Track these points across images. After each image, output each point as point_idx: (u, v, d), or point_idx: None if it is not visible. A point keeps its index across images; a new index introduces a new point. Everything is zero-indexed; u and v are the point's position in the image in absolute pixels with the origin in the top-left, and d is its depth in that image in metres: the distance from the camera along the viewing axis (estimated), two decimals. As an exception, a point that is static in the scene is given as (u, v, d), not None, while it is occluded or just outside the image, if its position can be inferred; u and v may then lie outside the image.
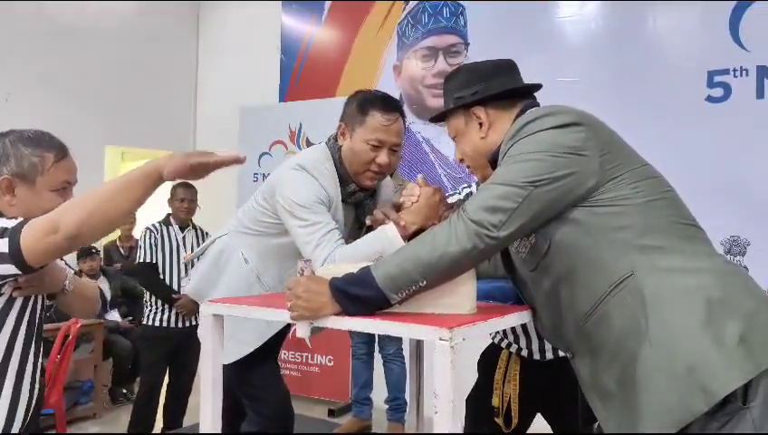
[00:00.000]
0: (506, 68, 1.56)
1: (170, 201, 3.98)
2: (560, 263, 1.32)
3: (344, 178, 1.96)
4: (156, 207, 5.87)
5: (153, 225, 3.94)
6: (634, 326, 1.21)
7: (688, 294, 1.20)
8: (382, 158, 1.90)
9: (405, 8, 4.78)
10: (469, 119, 1.51)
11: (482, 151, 1.49)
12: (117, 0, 5.53)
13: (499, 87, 1.50)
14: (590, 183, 1.27)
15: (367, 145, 1.89)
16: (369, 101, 1.92)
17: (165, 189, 4.28)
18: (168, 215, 3.94)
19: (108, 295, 4.82)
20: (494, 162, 1.45)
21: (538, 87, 1.55)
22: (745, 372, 1.12)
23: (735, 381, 1.12)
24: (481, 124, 1.49)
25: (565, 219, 1.30)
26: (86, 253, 4.81)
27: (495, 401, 2.03)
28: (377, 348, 4.23)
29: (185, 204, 3.87)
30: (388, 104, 1.92)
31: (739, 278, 1.27)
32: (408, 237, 1.71)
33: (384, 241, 1.71)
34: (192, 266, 2.38)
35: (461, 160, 1.60)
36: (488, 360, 2.13)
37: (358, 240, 1.82)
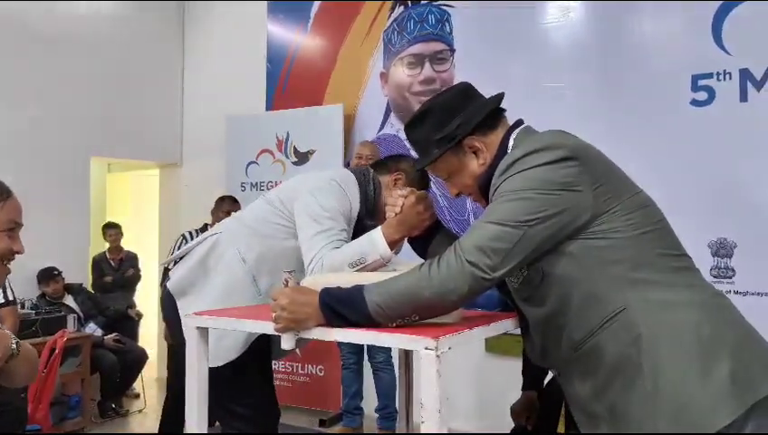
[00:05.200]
0: (472, 91, 1.53)
1: (214, 212, 3.98)
2: (552, 294, 1.32)
3: (370, 213, 2.07)
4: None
5: (189, 232, 3.95)
6: (626, 360, 1.24)
7: (680, 331, 1.22)
8: None
9: (390, 15, 4.79)
10: (463, 154, 1.47)
11: (485, 178, 1.44)
12: (102, 2, 5.51)
13: (481, 110, 1.47)
14: (584, 218, 1.27)
15: None
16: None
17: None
18: (206, 224, 3.92)
19: (78, 311, 4.79)
20: (482, 188, 1.45)
21: (502, 98, 1.52)
22: (732, 410, 1.16)
23: (723, 419, 1.16)
24: (476, 153, 1.46)
25: (559, 252, 1.29)
26: (48, 275, 4.76)
27: (562, 429, 2.07)
28: (366, 357, 4.22)
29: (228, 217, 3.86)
30: None
31: (725, 311, 1.30)
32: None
33: (369, 244, 1.74)
34: (170, 269, 2.35)
35: (458, 195, 1.57)
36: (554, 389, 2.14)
37: (346, 245, 1.85)
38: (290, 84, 5.27)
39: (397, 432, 3.89)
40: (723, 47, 3.52)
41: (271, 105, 5.34)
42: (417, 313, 1.30)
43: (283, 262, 2.00)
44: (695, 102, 3.59)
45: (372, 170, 2.13)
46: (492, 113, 1.47)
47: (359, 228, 2.03)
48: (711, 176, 3.49)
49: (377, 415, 4.16)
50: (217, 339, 1.89)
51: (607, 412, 1.28)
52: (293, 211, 1.99)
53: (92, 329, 4.79)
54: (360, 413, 4.27)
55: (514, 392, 2.45)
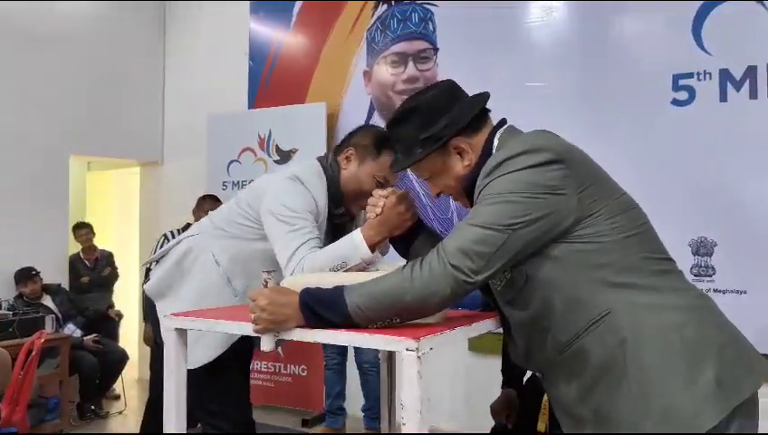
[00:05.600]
0: (458, 90, 1.51)
1: (195, 211, 3.92)
2: (536, 297, 1.31)
3: (336, 200, 1.99)
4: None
5: (171, 231, 3.89)
6: (612, 363, 1.23)
7: (665, 333, 1.22)
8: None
9: (374, 14, 4.77)
10: (447, 154, 1.45)
11: (469, 180, 1.43)
12: (83, 1, 5.43)
13: (468, 111, 1.45)
14: (569, 221, 1.26)
15: (373, 179, 1.95)
16: (385, 141, 1.95)
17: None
18: (188, 224, 3.86)
19: (57, 311, 4.72)
20: (466, 189, 1.43)
21: (487, 98, 1.51)
22: (717, 413, 1.17)
23: (708, 422, 1.16)
24: (461, 154, 1.44)
25: (543, 256, 1.28)
26: (26, 276, 4.69)
27: (541, 427, 2.06)
28: (349, 358, 4.19)
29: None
30: None
31: (709, 313, 1.30)
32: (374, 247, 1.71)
33: (349, 247, 1.71)
34: (152, 269, 2.33)
35: (438, 194, 1.55)
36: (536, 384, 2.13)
37: (327, 246, 1.82)
38: (272, 83, 5.24)
39: (379, 433, 3.88)
40: (703, 47, 3.55)
41: (253, 103, 5.30)
42: (399, 315, 1.28)
43: (255, 263, 2.00)
44: (675, 102, 3.61)
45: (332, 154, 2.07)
46: (477, 114, 1.45)
47: (331, 220, 2.01)
48: (691, 175, 3.52)
49: (362, 415, 4.15)
50: (194, 341, 1.87)
51: (592, 415, 1.27)
52: (259, 213, 1.95)
53: (71, 330, 4.72)
54: (343, 414, 4.26)
55: (498, 391, 2.45)
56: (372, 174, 1.95)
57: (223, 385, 2.09)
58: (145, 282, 2.25)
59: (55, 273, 5.08)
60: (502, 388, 2.41)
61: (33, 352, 3.74)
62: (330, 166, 2.01)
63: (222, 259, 2.06)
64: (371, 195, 1.92)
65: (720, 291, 3.41)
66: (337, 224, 2.05)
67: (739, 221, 3.39)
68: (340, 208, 2.01)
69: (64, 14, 5.32)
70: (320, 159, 2.06)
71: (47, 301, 4.78)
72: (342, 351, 4.16)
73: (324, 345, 4.12)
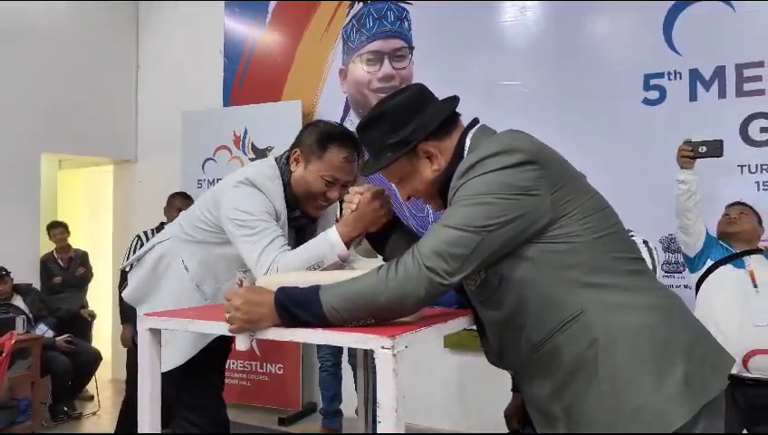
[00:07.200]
0: (427, 94, 1.50)
1: (167, 209, 3.85)
2: (510, 297, 1.32)
3: (290, 202, 1.95)
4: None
5: (144, 232, 3.83)
6: (583, 363, 1.25)
7: (635, 333, 1.24)
8: (334, 193, 1.93)
9: (349, 12, 4.77)
10: (416, 158, 1.44)
11: (438, 183, 1.44)
12: (53, 1, 5.34)
13: (437, 115, 1.44)
14: (543, 222, 1.27)
15: (321, 179, 1.90)
16: (330, 136, 1.90)
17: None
18: (162, 223, 3.80)
19: (27, 312, 4.65)
20: (440, 190, 1.43)
21: (457, 102, 1.50)
22: (686, 412, 1.19)
23: (678, 420, 1.18)
24: (430, 158, 1.44)
25: (517, 256, 1.29)
26: None
27: None
28: (345, 358, 4.16)
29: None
30: (348, 142, 1.90)
31: (678, 312, 1.32)
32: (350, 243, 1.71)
33: (326, 246, 1.70)
34: (129, 270, 2.31)
35: (409, 198, 1.54)
36: None
37: (301, 246, 1.80)
38: (247, 80, 5.20)
39: (355, 432, 3.88)
40: (673, 47, 3.62)
41: (228, 101, 5.26)
42: (374, 316, 1.29)
43: (223, 267, 2.01)
44: (647, 101, 3.68)
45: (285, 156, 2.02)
46: (447, 117, 1.45)
47: (290, 223, 1.99)
48: (662, 173, 3.57)
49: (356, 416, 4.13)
50: (165, 343, 1.87)
51: (563, 413, 1.28)
52: (219, 219, 1.92)
53: (43, 330, 4.64)
54: (340, 416, 4.21)
55: (473, 388, 2.47)
56: (319, 174, 1.89)
57: (198, 383, 2.09)
58: (121, 284, 2.23)
59: (27, 273, 4.99)
60: (512, 391, 2.41)
61: (4, 353, 3.69)
62: (281, 168, 1.97)
63: (190, 264, 2.06)
64: (323, 196, 1.92)
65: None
66: (298, 226, 2.04)
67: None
68: (295, 211, 1.98)
69: (37, 12, 5.22)
70: (277, 160, 2.01)
71: (17, 301, 4.70)
72: (337, 351, 4.07)
73: (318, 347, 4.09)
